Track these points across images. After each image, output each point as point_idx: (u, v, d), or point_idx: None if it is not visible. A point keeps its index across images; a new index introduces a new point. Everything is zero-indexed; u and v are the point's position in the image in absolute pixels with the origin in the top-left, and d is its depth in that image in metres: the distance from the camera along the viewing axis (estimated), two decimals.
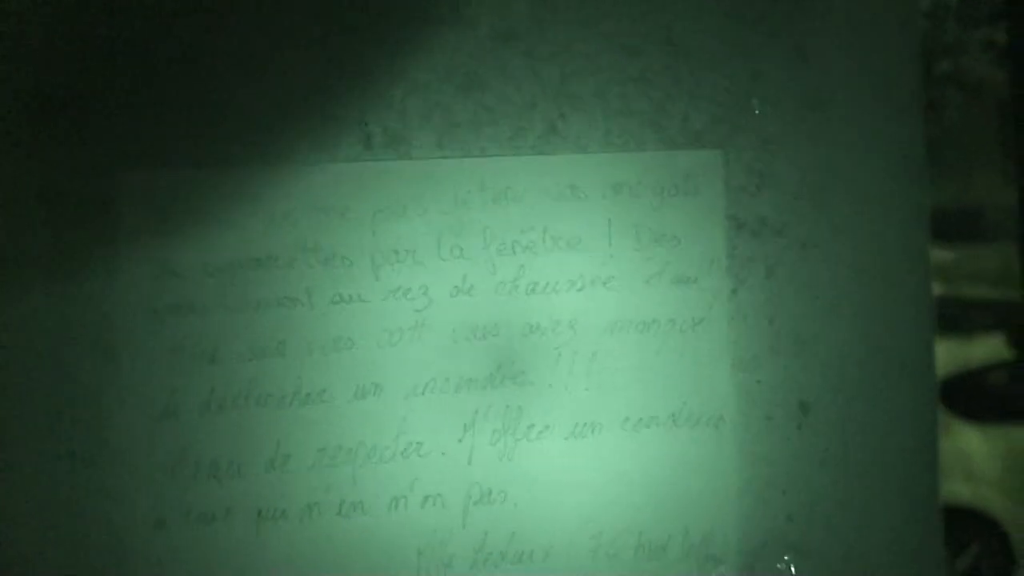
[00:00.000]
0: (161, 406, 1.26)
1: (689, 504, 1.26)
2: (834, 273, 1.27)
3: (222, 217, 1.27)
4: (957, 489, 6.17)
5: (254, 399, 1.26)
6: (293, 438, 1.26)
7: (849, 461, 1.26)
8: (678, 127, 1.27)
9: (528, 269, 1.27)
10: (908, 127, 1.31)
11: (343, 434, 1.26)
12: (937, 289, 6.54)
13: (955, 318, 6.15)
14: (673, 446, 1.26)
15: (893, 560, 1.28)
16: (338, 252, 1.27)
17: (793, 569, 1.24)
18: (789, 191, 1.27)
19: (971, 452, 6.18)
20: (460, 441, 1.27)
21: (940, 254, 6.53)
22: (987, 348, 5.85)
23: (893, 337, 1.28)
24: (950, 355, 6.23)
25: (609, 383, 1.27)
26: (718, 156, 1.27)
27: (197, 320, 1.26)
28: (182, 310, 1.26)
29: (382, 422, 1.27)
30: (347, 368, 1.27)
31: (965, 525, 6.21)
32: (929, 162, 1.24)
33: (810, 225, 1.27)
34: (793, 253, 1.27)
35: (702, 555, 1.26)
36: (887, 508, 1.27)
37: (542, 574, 1.26)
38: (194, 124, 1.25)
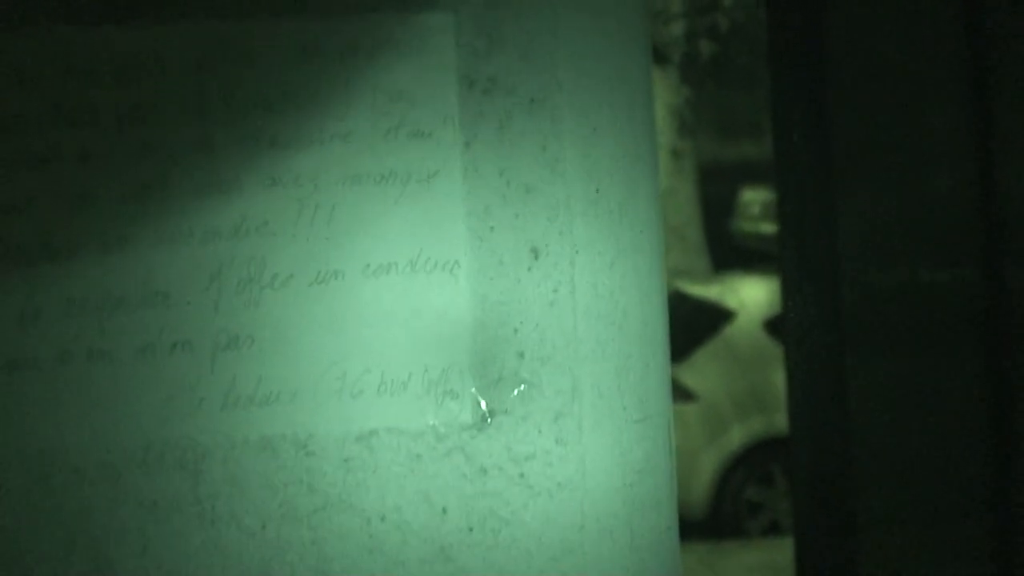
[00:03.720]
0: None
1: (427, 344, 1.34)
2: (560, 127, 1.36)
3: None
4: None
5: (2, 255, 1.30)
6: (42, 291, 1.31)
7: (576, 300, 1.36)
8: None
9: (270, 126, 1.33)
10: None
11: (90, 285, 1.31)
12: (772, 228, 6.78)
13: None
14: (411, 290, 1.34)
15: (621, 385, 1.38)
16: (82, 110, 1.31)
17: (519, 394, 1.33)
18: (517, 52, 1.35)
19: None
20: (206, 290, 1.32)
21: (774, 194, 6.76)
22: None
23: (615, 185, 1.38)
24: None
25: (349, 233, 1.34)
26: (450, 17, 1.35)
27: None
28: None
29: (128, 273, 1.31)
30: (93, 221, 1.31)
31: None
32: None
33: (537, 83, 1.36)
34: (522, 109, 1.36)
35: (441, 390, 1.34)
36: (613, 341, 1.38)
37: (289, 415, 1.33)
38: None
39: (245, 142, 1.33)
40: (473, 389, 1.34)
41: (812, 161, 2.71)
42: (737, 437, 6.27)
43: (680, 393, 6.19)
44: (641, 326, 1.39)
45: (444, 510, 1.34)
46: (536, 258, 1.35)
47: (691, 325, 6.48)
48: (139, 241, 1.32)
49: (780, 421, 6.41)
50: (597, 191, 1.37)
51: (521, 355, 1.35)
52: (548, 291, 1.35)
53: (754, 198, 6.86)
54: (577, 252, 1.36)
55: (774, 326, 6.42)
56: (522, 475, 1.35)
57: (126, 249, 1.32)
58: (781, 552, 6.48)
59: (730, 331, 6.34)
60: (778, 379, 6.41)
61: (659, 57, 9.29)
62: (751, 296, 6.43)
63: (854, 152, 2.52)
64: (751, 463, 6.32)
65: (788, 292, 3.05)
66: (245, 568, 1.33)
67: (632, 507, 1.39)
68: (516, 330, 1.35)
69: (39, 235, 1.30)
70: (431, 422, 1.34)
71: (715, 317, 6.41)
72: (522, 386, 1.35)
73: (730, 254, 6.60)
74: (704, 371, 6.29)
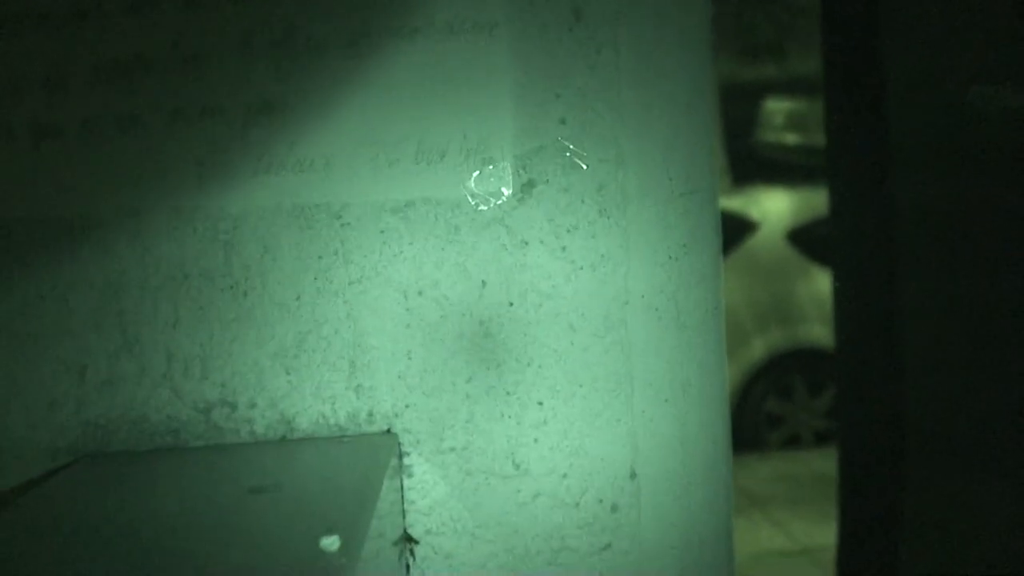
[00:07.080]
0: None
1: (466, 111, 1.29)
2: None
3: None
4: (815, 332, 6.37)
5: (25, 15, 1.25)
6: (69, 55, 1.26)
7: (620, 62, 1.30)
8: None
9: None
10: None
11: (119, 48, 1.26)
12: (795, 139, 6.70)
13: (811, 167, 6.31)
14: (448, 53, 1.29)
15: (667, 156, 1.33)
16: None
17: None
18: None
19: (828, 296, 6.36)
20: (239, 54, 1.27)
21: (798, 105, 6.68)
22: None
23: None
24: (807, 203, 6.39)
25: None
26: None
27: None
28: None
29: (158, 35, 1.27)
30: None
31: (823, 366, 6.41)
32: None
33: None
34: None
35: (480, 158, 1.29)
36: (658, 107, 1.32)
37: (323, 183, 1.28)
38: None
39: None
40: (514, 158, 1.29)
41: (865, 63, 2.62)
42: (759, 349, 6.23)
43: None
44: (689, 92, 1.34)
45: (483, 283, 1.30)
46: (578, 18, 1.30)
47: None
48: (168, 0, 1.27)
49: (802, 333, 6.36)
50: None
51: (563, 121, 1.30)
52: (592, 52, 1.30)
53: (778, 108, 6.77)
54: (621, 10, 1.30)
55: (797, 237, 6.36)
56: (564, 248, 1.31)
57: (156, 9, 1.27)
58: (799, 464, 6.44)
59: (753, 243, 6.28)
60: (801, 291, 6.35)
61: None
62: (774, 208, 6.37)
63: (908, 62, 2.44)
64: (772, 375, 6.28)
65: (837, 204, 2.97)
66: (280, 341, 1.29)
67: (678, 282, 1.35)
68: (558, 95, 1.30)
69: None
70: (470, 192, 1.29)
71: (738, 229, 6.35)
72: (565, 154, 1.30)
73: (751, 168, 6.52)
74: (727, 283, 6.23)
